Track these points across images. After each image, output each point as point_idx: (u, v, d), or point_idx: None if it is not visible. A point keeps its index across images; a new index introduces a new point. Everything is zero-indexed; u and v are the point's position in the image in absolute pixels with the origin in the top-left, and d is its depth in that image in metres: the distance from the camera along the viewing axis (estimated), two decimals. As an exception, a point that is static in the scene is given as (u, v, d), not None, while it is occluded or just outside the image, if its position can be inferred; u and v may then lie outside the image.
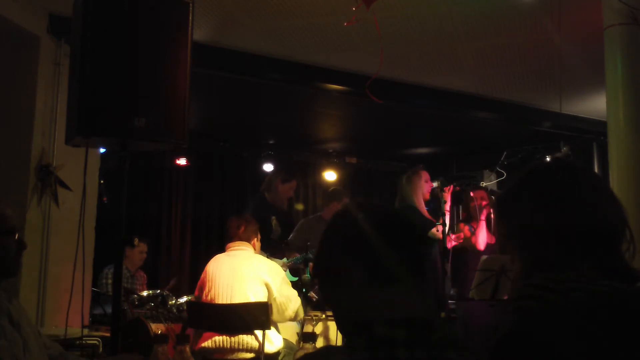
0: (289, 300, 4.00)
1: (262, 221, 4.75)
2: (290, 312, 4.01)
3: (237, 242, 4.18)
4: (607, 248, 1.26)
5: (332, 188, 6.71)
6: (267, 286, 3.97)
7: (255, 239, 4.26)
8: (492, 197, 5.51)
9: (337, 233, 1.33)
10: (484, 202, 5.43)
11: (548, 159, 6.74)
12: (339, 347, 1.26)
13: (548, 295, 1.20)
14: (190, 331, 4.17)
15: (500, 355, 1.19)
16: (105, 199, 4.87)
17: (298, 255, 5.45)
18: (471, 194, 5.50)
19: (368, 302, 1.25)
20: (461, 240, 5.39)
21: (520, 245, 1.32)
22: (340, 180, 8.55)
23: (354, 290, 1.26)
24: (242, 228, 4.22)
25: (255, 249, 4.23)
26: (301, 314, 4.18)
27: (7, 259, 2.28)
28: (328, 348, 1.42)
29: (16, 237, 2.31)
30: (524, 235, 1.32)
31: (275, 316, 3.96)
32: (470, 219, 5.44)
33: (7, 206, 2.36)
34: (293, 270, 5.43)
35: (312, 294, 5.40)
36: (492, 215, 5.44)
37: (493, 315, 4.20)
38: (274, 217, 5.80)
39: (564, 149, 7.16)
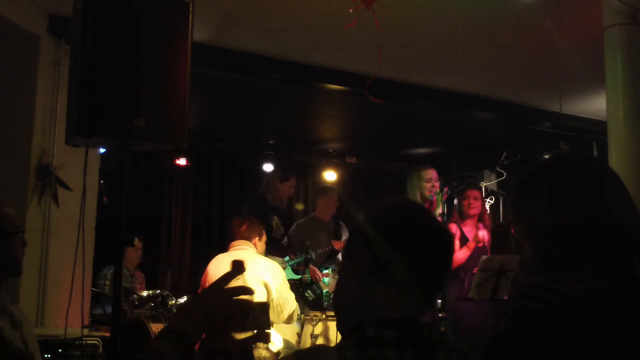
0: (286, 302, 4.07)
1: (262, 220, 4.76)
2: (285, 315, 4.09)
3: (239, 241, 4.18)
4: (618, 252, 1.23)
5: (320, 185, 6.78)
6: (266, 286, 3.98)
7: (257, 238, 4.26)
8: (496, 193, 5.38)
9: (375, 220, 1.32)
10: (477, 202, 5.30)
11: (566, 150, 6.64)
12: (331, 346, 1.26)
13: (548, 295, 1.17)
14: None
15: (492, 354, 1.17)
16: (105, 199, 4.86)
17: (298, 256, 5.45)
18: (467, 192, 5.36)
19: (366, 298, 1.25)
20: None
21: (533, 238, 1.30)
22: (340, 180, 8.53)
23: (358, 280, 1.27)
24: (244, 227, 4.22)
25: (257, 248, 4.23)
26: (295, 317, 4.25)
27: (15, 259, 2.31)
28: (320, 347, 1.42)
29: (20, 236, 2.33)
30: (537, 230, 1.29)
31: (271, 316, 3.99)
32: (463, 218, 5.31)
33: (6, 206, 2.36)
34: (294, 269, 5.44)
35: (309, 293, 5.40)
36: (485, 213, 5.36)
37: (493, 315, 4.19)
38: (275, 217, 5.81)
39: (564, 149, 7.16)
